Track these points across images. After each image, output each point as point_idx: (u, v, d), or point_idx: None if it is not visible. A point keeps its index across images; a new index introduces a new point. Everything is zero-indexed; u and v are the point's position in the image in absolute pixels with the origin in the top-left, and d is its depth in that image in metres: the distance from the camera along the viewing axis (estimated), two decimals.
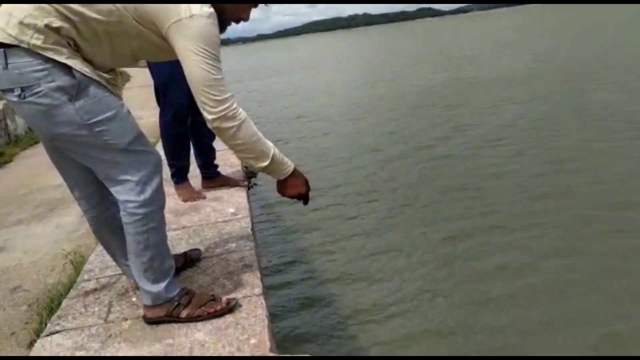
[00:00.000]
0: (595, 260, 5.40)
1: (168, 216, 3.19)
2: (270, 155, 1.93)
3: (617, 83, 15.23)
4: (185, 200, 3.56)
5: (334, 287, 5.47)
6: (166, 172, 3.71)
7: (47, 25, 1.66)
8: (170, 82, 3.26)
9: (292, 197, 2.11)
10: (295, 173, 2.05)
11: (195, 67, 1.76)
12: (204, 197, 3.58)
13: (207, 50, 1.75)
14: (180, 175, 3.63)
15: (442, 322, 4.77)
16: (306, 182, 2.10)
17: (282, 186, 2.07)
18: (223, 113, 1.80)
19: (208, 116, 1.81)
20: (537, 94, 15.45)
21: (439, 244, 6.31)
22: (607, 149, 9.18)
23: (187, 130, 3.51)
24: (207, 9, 1.76)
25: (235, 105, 1.83)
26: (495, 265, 5.60)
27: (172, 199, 3.60)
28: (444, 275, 5.57)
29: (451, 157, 10.20)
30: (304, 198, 2.13)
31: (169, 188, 3.69)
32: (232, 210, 3.23)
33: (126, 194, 1.85)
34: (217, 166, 3.83)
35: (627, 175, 7.69)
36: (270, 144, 1.96)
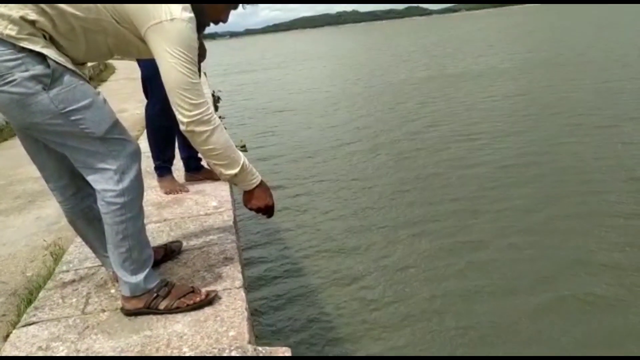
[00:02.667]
0: (549, 237, 5.93)
1: (149, 208, 3.18)
2: (241, 164, 1.94)
3: (588, 83, 15.70)
4: (167, 193, 3.53)
5: (314, 280, 5.54)
6: (148, 164, 3.69)
7: (22, 17, 1.65)
8: (159, 75, 3.23)
9: (258, 209, 2.09)
10: (262, 185, 2.06)
11: (172, 70, 1.76)
12: (187, 190, 3.56)
13: (185, 54, 1.75)
14: (164, 168, 3.60)
15: (416, 300, 4.95)
16: (271, 196, 2.10)
17: (249, 197, 2.06)
18: (198, 117, 1.80)
19: (182, 119, 1.81)
20: (513, 91, 15.91)
21: (414, 229, 6.58)
22: (573, 144, 9.56)
23: (173, 122, 3.47)
24: (188, 13, 1.76)
25: (210, 110, 1.83)
26: (461, 244, 6.02)
27: (154, 191, 3.58)
28: (415, 256, 5.83)
29: (426, 149, 10.61)
30: (269, 211, 2.12)
31: (152, 180, 3.67)
32: (214, 203, 3.21)
33: (104, 182, 1.84)
34: (201, 159, 3.80)
35: (590, 168, 8.07)
36: (241, 154, 1.96)
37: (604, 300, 4.69)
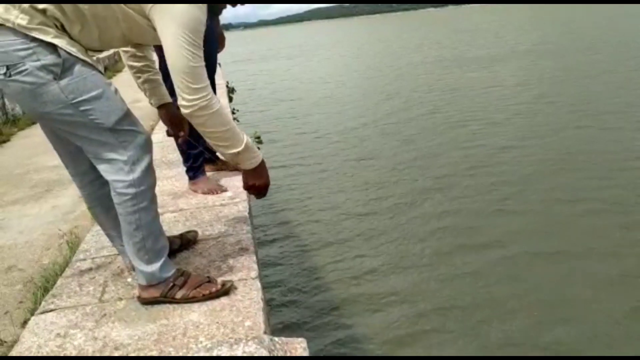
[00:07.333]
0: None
1: (165, 198, 3.19)
2: (243, 145, 1.92)
3: (587, 73, 15.83)
4: (206, 193, 3.27)
5: (327, 276, 5.56)
6: (163, 154, 3.69)
7: (32, 6, 1.65)
8: None
9: (256, 187, 2.09)
10: (262, 164, 2.05)
11: (175, 53, 1.74)
12: (226, 190, 3.28)
13: (189, 36, 1.73)
14: (195, 168, 3.33)
15: (427, 291, 5.08)
16: (268, 175, 2.10)
17: (250, 176, 2.06)
18: (197, 102, 1.78)
19: (182, 102, 1.80)
20: (518, 80, 16.15)
21: (424, 221, 6.64)
22: (578, 136, 9.63)
23: None
24: None
25: (210, 95, 1.81)
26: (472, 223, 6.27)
27: (170, 181, 3.58)
28: (427, 251, 5.92)
29: (432, 133, 10.93)
30: (265, 190, 2.13)
31: (166, 170, 3.67)
32: (229, 194, 3.21)
33: (115, 173, 1.84)
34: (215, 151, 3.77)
35: (594, 163, 8.07)
36: (243, 134, 1.94)
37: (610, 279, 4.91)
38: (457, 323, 4.46)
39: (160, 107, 2.45)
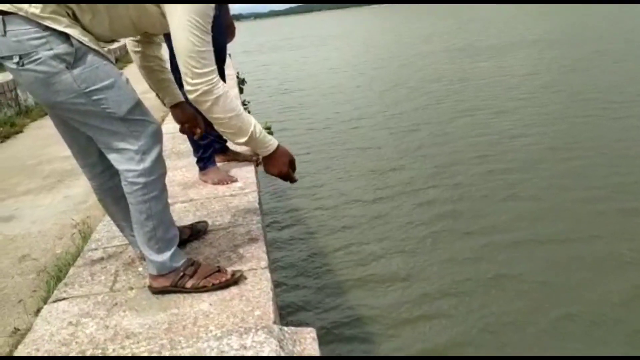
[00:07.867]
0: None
1: (176, 188, 3.21)
2: (249, 133, 1.91)
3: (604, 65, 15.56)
4: (216, 184, 3.29)
5: (335, 261, 5.59)
6: (174, 144, 3.70)
7: None
8: None
9: (274, 175, 2.09)
10: (277, 152, 2.02)
11: (181, 36, 1.75)
12: (236, 180, 3.31)
13: (196, 20, 1.73)
14: (205, 159, 3.36)
15: (440, 281, 5.02)
16: (290, 163, 2.08)
17: (265, 163, 2.06)
18: (200, 86, 1.78)
19: (186, 86, 1.81)
20: (526, 69, 16.10)
21: (430, 208, 6.68)
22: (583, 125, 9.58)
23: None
24: None
25: (214, 80, 1.80)
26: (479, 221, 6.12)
27: (180, 172, 3.60)
28: (433, 237, 5.88)
29: (434, 124, 10.92)
30: (287, 178, 2.11)
31: (176, 161, 3.69)
32: (240, 184, 3.22)
33: (126, 163, 1.85)
34: (226, 141, 3.79)
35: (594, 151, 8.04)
36: (252, 122, 1.92)
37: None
38: (461, 305, 4.53)
39: (173, 107, 2.41)
